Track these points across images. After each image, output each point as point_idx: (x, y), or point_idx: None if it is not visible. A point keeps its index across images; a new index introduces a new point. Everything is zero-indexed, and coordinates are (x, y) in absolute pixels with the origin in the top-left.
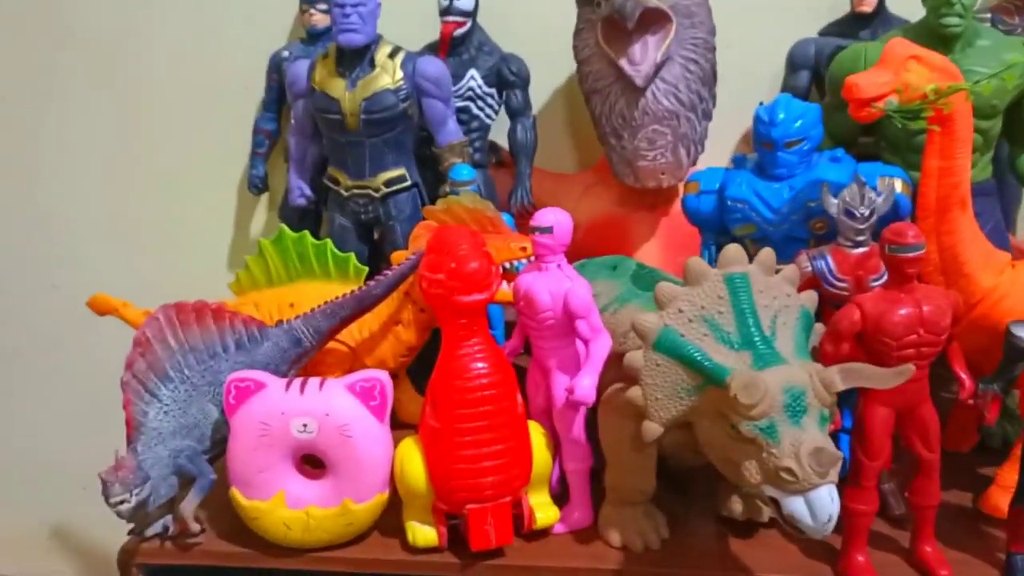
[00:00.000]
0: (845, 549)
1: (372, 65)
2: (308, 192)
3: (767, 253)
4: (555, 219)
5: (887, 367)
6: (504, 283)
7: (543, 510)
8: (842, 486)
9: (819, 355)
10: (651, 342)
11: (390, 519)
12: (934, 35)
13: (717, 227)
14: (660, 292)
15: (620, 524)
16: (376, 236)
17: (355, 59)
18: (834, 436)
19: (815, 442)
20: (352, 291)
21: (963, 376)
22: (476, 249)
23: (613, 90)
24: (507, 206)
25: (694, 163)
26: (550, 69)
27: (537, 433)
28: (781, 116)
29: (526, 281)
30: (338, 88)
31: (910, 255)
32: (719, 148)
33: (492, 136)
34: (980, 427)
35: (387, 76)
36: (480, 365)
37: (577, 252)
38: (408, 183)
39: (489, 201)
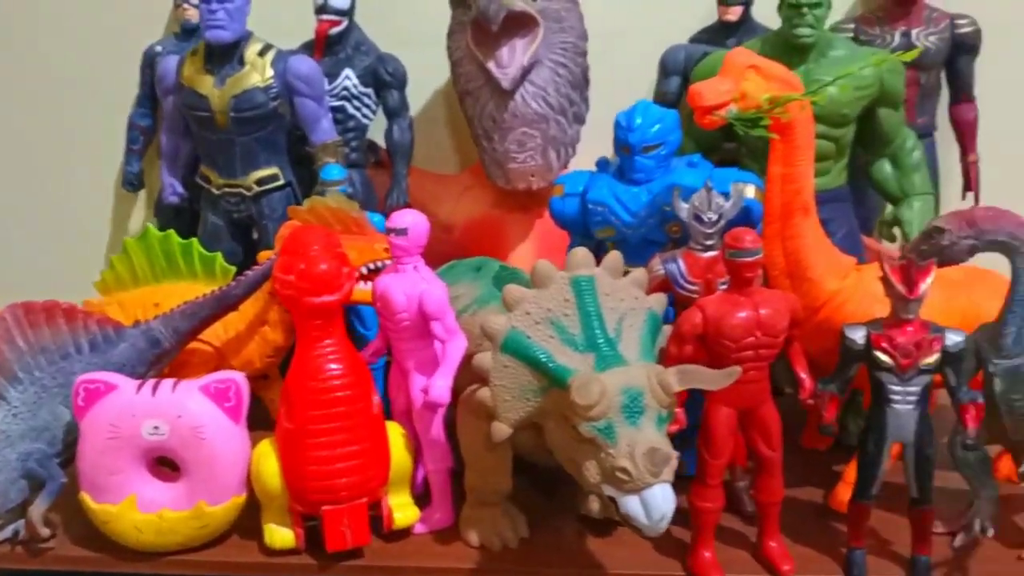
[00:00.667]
0: (693, 545)
1: (242, 63)
2: (180, 190)
3: (614, 256)
4: (410, 221)
5: (728, 368)
6: (367, 283)
7: (402, 510)
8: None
9: (665, 356)
10: (498, 344)
11: (250, 521)
12: (788, 45)
13: (582, 229)
14: (508, 294)
15: (479, 524)
16: (256, 236)
17: (224, 56)
18: (684, 435)
19: (650, 442)
20: (212, 291)
21: (803, 377)
22: (328, 250)
23: (483, 92)
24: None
25: (565, 166)
26: (431, 69)
27: (396, 434)
28: (638, 121)
29: (383, 283)
30: (206, 85)
31: (748, 259)
32: (596, 151)
33: (374, 136)
34: (821, 426)
35: (257, 74)
36: (334, 366)
37: (455, 252)
38: (281, 182)
39: (355, 201)
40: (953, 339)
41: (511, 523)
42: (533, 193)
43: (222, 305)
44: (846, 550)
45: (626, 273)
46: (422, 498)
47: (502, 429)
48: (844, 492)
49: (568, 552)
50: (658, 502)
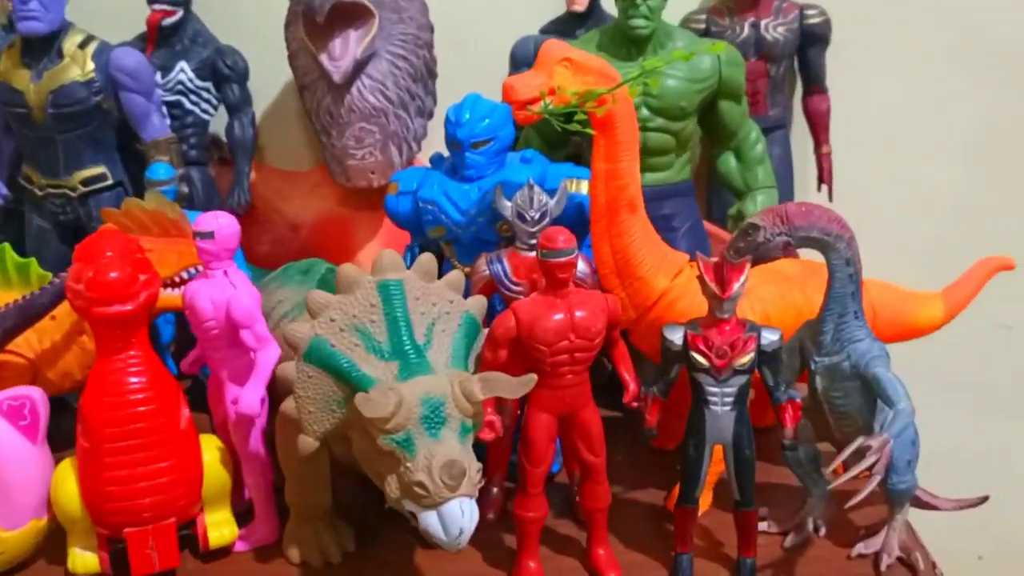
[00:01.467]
0: (518, 556)
1: (60, 55)
2: (3, 191)
3: (426, 258)
4: (217, 224)
5: (544, 372)
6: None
7: (220, 528)
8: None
9: (481, 361)
10: (301, 352)
11: (57, 546)
12: (624, 36)
13: (417, 228)
14: (312, 300)
15: (300, 539)
16: None
17: (41, 49)
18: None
19: (448, 454)
20: (15, 300)
21: (627, 379)
22: (123, 256)
23: (319, 86)
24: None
25: (408, 162)
26: (278, 60)
27: (211, 448)
28: (467, 116)
29: (191, 289)
30: (22, 79)
31: (560, 260)
32: (444, 147)
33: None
34: (645, 429)
35: (76, 67)
36: (133, 380)
37: (303, 252)
38: (110, 182)
39: (175, 203)
40: (768, 338)
41: (335, 537)
42: (380, 191)
43: (26, 315)
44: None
45: (444, 272)
46: (249, 514)
47: (308, 442)
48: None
49: (394, 567)
50: (455, 517)
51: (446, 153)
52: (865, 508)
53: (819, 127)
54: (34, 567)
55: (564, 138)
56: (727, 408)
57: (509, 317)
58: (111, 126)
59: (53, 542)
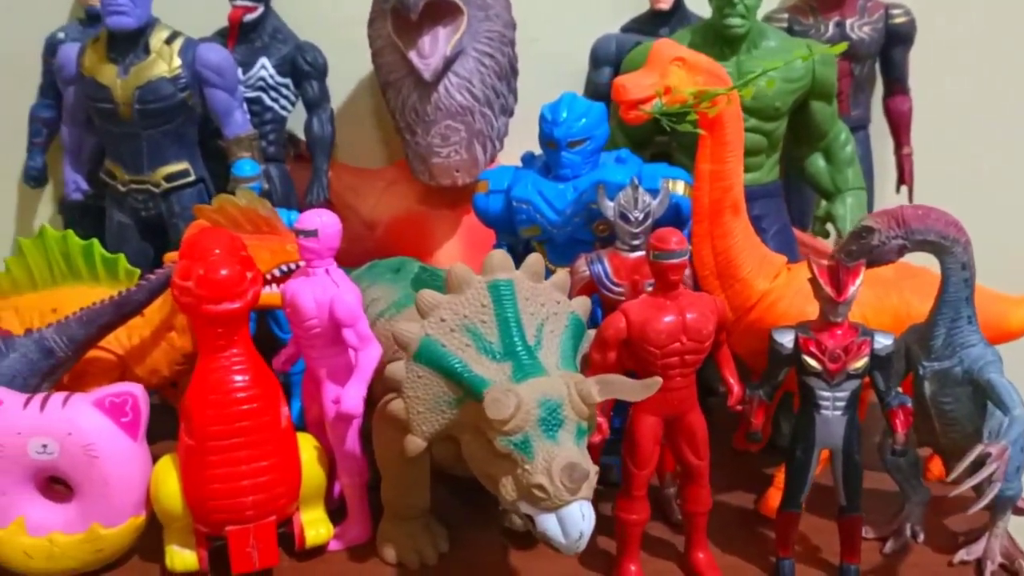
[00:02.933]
0: (618, 558)
1: (147, 51)
2: (84, 186)
3: (534, 259)
4: (320, 222)
5: (653, 374)
6: (279, 287)
7: (315, 527)
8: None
9: (588, 363)
10: (412, 353)
11: (152, 542)
12: (719, 35)
13: (507, 227)
14: (421, 300)
15: (396, 540)
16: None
17: (128, 44)
18: (610, 441)
19: (568, 457)
20: (111, 297)
21: (731, 382)
22: (230, 254)
23: (406, 83)
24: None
25: (492, 160)
26: (355, 57)
27: (308, 447)
28: (564, 115)
29: (292, 287)
30: (109, 75)
31: (673, 261)
32: (525, 144)
33: (294, 128)
34: (748, 433)
35: (163, 63)
36: (238, 378)
37: (379, 250)
38: (192, 178)
39: (266, 199)
40: (882, 342)
41: (430, 538)
42: (459, 189)
43: (122, 311)
44: (775, 559)
45: (552, 271)
46: (339, 512)
47: (416, 443)
48: (775, 497)
49: (490, 568)
50: (576, 520)
51: (528, 150)
52: (961, 514)
53: (901, 128)
54: (129, 564)
55: (650, 137)
56: (838, 412)
57: (619, 319)
58: (194, 122)
59: (148, 539)
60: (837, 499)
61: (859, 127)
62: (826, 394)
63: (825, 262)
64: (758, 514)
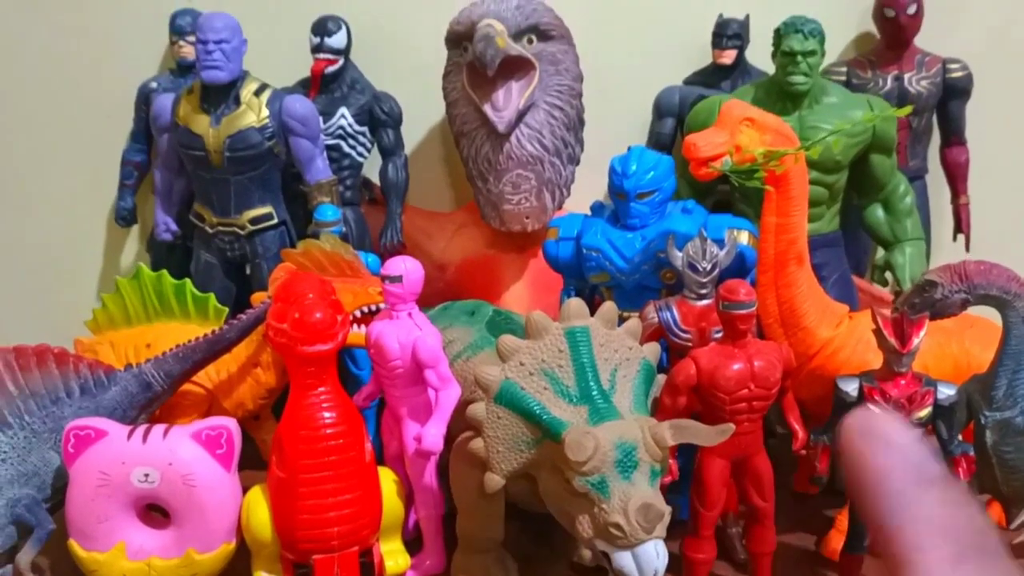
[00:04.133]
0: None
1: (237, 102)
2: (174, 227)
3: (608, 307)
4: (405, 268)
5: (722, 419)
6: (360, 327)
7: (394, 557)
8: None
9: (659, 407)
10: (492, 395)
11: (240, 568)
12: (782, 92)
13: (576, 273)
14: (502, 345)
15: (470, 571)
16: (248, 273)
17: (220, 95)
18: (675, 485)
19: (643, 498)
20: (205, 335)
21: (796, 427)
22: (322, 298)
23: (479, 134)
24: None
25: (559, 207)
26: (426, 106)
27: (388, 480)
28: (633, 168)
29: (376, 329)
30: (202, 124)
31: (743, 312)
32: (590, 190)
33: (368, 173)
34: (812, 477)
35: (252, 114)
36: (327, 415)
37: (448, 291)
38: (275, 221)
39: (348, 244)
40: (945, 392)
41: (503, 570)
42: (528, 234)
43: (215, 349)
44: None
45: (622, 318)
46: (413, 543)
47: (495, 480)
48: (836, 540)
49: None
50: (651, 558)
51: (592, 199)
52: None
53: (957, 178)
54: None
55: (713, 186)
56: None
57: (690, 365)
58: (278, 168)
59: (237, 564)
60: None
61: (916, 177)
62: None
63: (889, 313)
64: (820, 555)
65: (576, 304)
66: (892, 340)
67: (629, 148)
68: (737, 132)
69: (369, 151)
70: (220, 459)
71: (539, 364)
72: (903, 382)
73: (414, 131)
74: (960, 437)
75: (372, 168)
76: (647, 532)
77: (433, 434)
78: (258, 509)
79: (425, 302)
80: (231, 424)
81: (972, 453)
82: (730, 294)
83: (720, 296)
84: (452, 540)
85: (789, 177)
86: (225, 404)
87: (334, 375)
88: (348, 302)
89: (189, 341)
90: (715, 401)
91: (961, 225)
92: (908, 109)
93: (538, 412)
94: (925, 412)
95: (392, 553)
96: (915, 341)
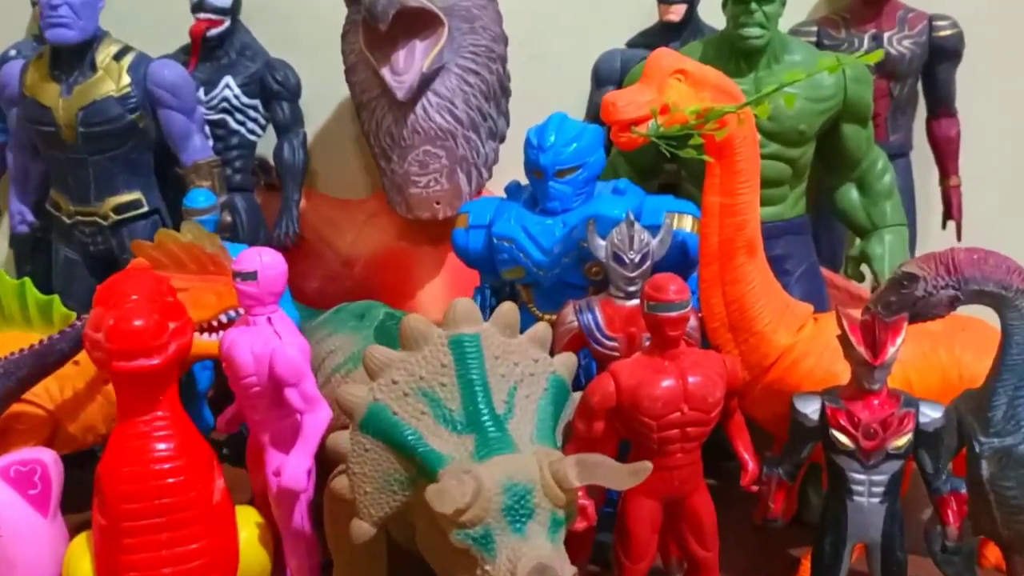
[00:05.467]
0: None
1: (93, 68)
2: (30, 218)
3: (507, 308)
4: (260, 262)
5: (650, 449)
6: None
7: None
8: None
9: (571, 435)
10: (357, 421)
11: None
12: (735, 48)
13: (490, 267)
14: (370, 358)
15: None
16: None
17: (72, 60)
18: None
19: (539, 557)
20: (32, 345)
21: (745, 457)
22: (151, 301)
23: (380, 104)
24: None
25: (479, 191)
26: (332, 75)
27: (249, 524)
28: (552, 139)
29: (228, 338)
30: (51, 95)
31: (672, 314)
32: (520, 177)
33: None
34: (765, 519)
35: (111, 81)
36: (160, 446)
37: (356, 289)
38: (144, 209)
39: (215, 235)
40: (929, 415)
41: None
42: (445, 223)
43: (44, 362)
44: None
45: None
46: None
47: (362, 528)
48: None
49: None
50: None
51: (524, 181)
52: None
53: (947, 155)
54: None
55: (657, 165)
56: (876, 500)
57: (608, 383)
58: (148, 148)
59: None
60: None
61: (899, 155)
62: (860, 477)
63: (858, 315)
64: None
65: (464, 306)
66: (861, 349)
67: (548, 116)
68: (666, 88)
69: (263, 128)
70: (33, 501)
71: (416, 382)
72: (876, 402)
73: (319, 105)
74: (950, 468)
75: (270, 149)
76: None
77: (294, 467)
78: (80, 565)
79: (332, 303)
80: (47, 457)
81: (964, 491)
82: (656, 292)
83: (644, 295)
84: None
85: (733, 145)
86: (71, 429)
87: (172, 397)
88: (210, 304)
89: (12, 353)
90: (640, 428)
91: (951, 210)
92: (878, 55)
93: (411, 443)
94: (904, 440)
95: None
96: (890, 351)
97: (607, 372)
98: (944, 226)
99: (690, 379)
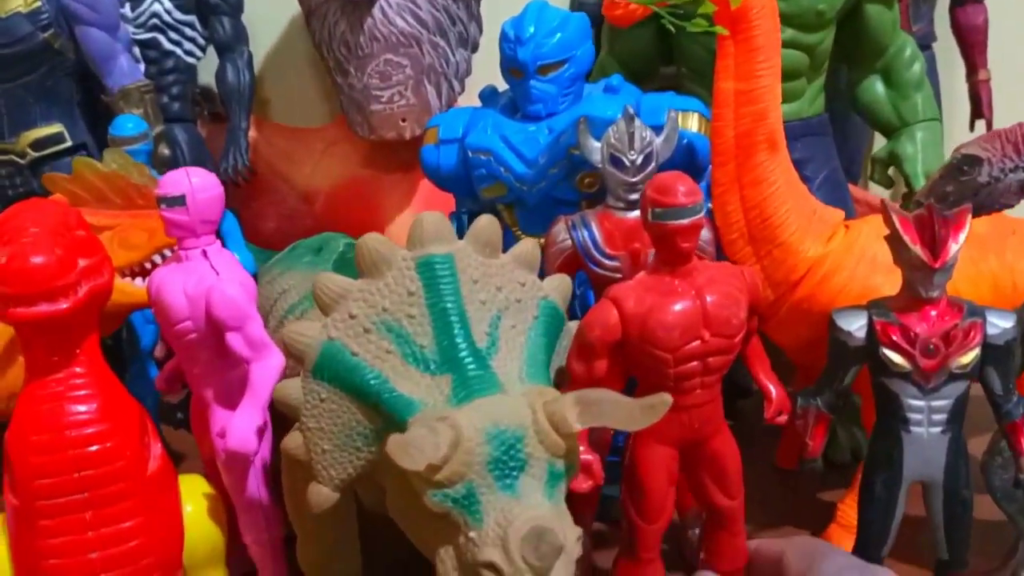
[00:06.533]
0: None
1: None
2: None
3: (485, 221)
4: (190, 184)
5: (661, 388)
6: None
7: None
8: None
9: (568, 376)
10: (309, 366)
11: None
12: None
13: (467, 188)
14: (322, 288)
15: None
16: None
17: None
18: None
19: (534, 519)
20: None
21: (768, 386)
22: (53, 234)
23: (331, 8)
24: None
25: (449, 106)
26: None
27: (196, 495)
28: (531, 31)
29: (157, 278)
30: None
31: (684, 222)
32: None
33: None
34: (803, 459)
35: None
36: (78, 408)
37: (317, 228)
38: (68, 144)
39: (142, 164)
40: (999, 324)
41: None
42: (413, 144)
43: None
44: None
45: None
46: None
47: (322, 493)
48: (839, 536)
49: None
50: None
51: (501, 85)
52: None
53: (974, 47)
54: None
55: (653, 65)
56: (937, 430)
57: (609, 312)
58: (67, 73)
59: None
60: (935, 548)
61: (922, 46)
62: (918, 403)
63: (912, 212)
64: None
65: (432, 221)
66: (917, 249)
67: (526, 5)
68: None
69: (203, 49)
70: None
71: (378, 315)
72: (934, 313)
73: (267, 22)
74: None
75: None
76: (539, 573)
77: (242, 427)
78: None
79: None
80: None
81: None
82: (662, 195)
83: (647, 200)
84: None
85: (749, 15)
86: None
87: (91, 350)
88: (141, 243)
89: None
90: (652, 363)
91: (981, 108)
92: None
93: (375, 387)
94: (971, 356)
95: None
96: (952, 249)
97: (606, 299)
98: (972, 127)
99: (708, 299)
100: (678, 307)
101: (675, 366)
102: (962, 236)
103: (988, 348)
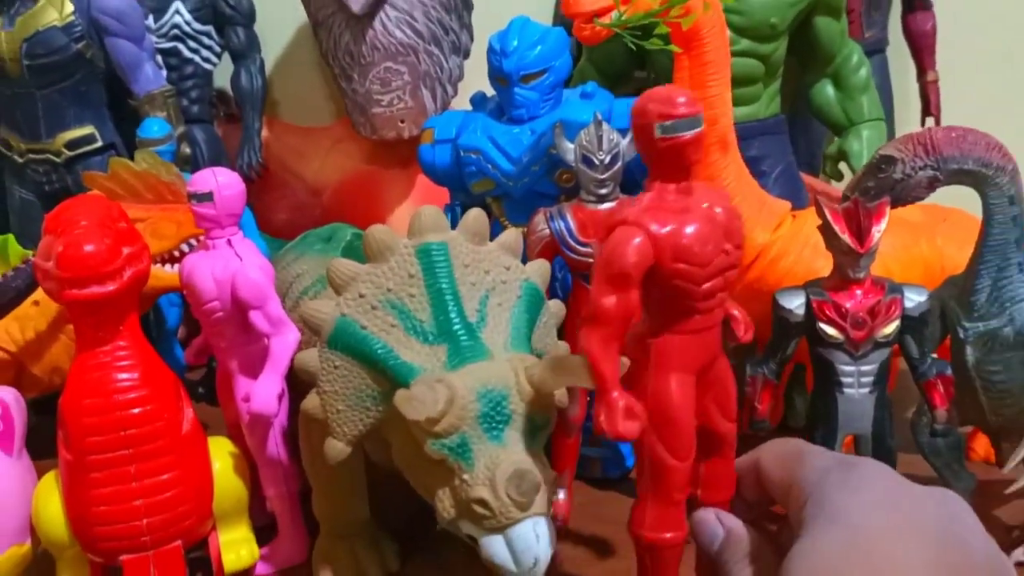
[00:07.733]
0: None
1: None
2: None
3: (475, 215)
4: (216, 182)
5: (688, 309)
6: None
7: (236, 548)
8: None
9: (596, 317)
10: (325, 337)
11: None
12: None
13: (459, 183)
14: (335, 272)
15: (334, 559)
16: None
17: None
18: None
19: (515, 464)
20: None
21: (733, 311)
22: (101, 226)
23: (336, 21)
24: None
25: (444, 108)
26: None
27: (223, 454)
28: (514, 44)
29: (188, 264)
30: None
31: (688, 135)
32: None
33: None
34: (753, 422)
35: (54, 10)
36: (122, 376)
37: (324, 219)
38: (99, 144)
39: (170, 163)
40: (914, 299)
41: (376, 556)
42: (411, 142)
43: (0, 301)
44: None
45: None
46: (270, 529)
47: (336, 447)
48: None
49: None
50: (528, 542)
51: (489, 91)
52: (1016, 502)
53: (924, 50)
54: None
55: (628, 70)
56: (865, 390)
57: (637, 235)
58: (98, 79)
59: (38, 570)
60: None
61: (875, 51)
62: (849, 368)
63: (839, 205)
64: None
65: (430, 214)
66: (846, 237)
67: (511, 20)
68: None
69: (219, 56)
70: None
71: (383, 294)
72: (860, 292)
73: (278, 30)
74: (935, 355)
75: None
76: (521, 509)
77: (264, 392)
78: (49, 502)
79: (300, 234)
80: (8, 395)
81: (949, 373)
82: (670, 107)
83: (652, 115)
84: (315, 521)
85: (701, 34)
86: (35, 370)
87: (133, 327)
88: (170, 234)
89: None
90: (684, 282)
91: (930, 106)
92: None
93: (382, 355)
94: (892, 327)
95: (234, 543)
96: (875, 235)
97: (630, 225)
98: (923, 124)
99: (717, 211)
100: (700, 222)
101: (704, 282)
102: (883, 223)
103: (906, 319)
